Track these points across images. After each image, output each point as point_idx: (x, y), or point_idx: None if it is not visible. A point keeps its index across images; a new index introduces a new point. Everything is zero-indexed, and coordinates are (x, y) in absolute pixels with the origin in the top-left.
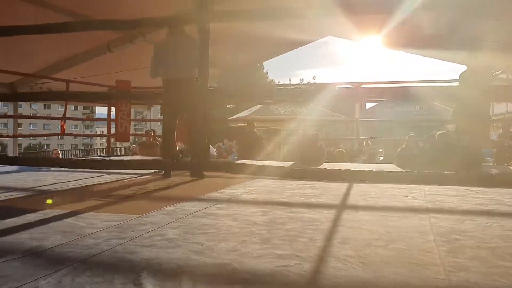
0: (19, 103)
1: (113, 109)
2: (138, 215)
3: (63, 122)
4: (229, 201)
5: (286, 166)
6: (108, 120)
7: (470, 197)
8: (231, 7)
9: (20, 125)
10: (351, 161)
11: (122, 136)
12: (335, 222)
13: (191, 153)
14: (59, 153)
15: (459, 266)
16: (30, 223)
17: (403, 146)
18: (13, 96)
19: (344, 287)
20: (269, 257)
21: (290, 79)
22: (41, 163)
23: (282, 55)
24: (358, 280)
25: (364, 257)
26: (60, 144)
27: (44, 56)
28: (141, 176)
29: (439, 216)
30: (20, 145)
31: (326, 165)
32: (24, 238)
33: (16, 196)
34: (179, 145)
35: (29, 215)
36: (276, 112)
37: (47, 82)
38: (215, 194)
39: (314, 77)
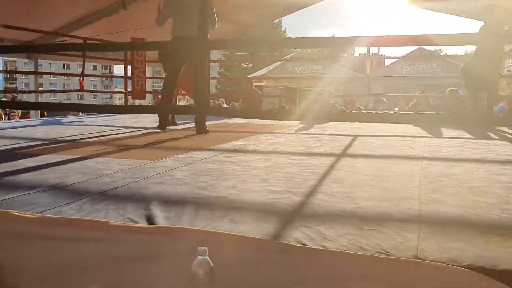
0: (39, 62)
1: (129, 67)
2: (152, 161)
3: (81, 78)
4: (236, 151)
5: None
6: (125, 77)
7: (468, 148)
8: None
9: (41, 85)
10: None
11: (138, 93)
12: (331, 167)
13: (194, 103)
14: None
15: (434, 200)
16: (53, 166)
17: (414, 103)
18: (33, 47)
19: (324, 214)
20: (264, 192)
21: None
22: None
23: (299, 11)
24: (339, 209)
25: (350, 193)
26: (80, 102)
27: (61, 15)
28: (153, 130)
29: (432, 163)
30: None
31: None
32: (49, 177)
33: (40, 145)
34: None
35: (52, 160)
36: (292, 70)
37: (65, 41)
38: (223, 145)
39: (334, 34)
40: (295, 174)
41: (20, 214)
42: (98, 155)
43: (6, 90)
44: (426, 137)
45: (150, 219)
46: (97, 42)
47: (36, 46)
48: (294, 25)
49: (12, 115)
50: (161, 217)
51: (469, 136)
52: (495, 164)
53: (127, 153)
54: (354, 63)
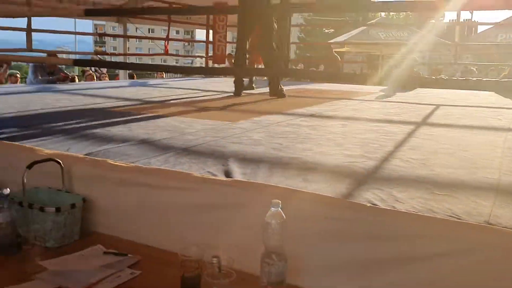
0: (127, 26)
1: (211, 32)
2: (230, 122)
3: (166, 42)
4: (313, 115)
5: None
6: (206, 42)
7: None
8: None
9: (128, 49)
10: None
11: (218, 58)
12: (409, 134)
13: (264, 65)
14: (163, 74)
15: None
16: (142, 123)
17: (506, 73)
18: (121, 11)
19: (397, 178)
20: (339, 155)
21: None
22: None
23: None
24: (414, 175)
25: (426, 160)
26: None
27: None
28: (231, 94)
29: None
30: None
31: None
32: (139, 133)
33: (129, 105)
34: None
35: (140, 118)
36: (376, 36)
37: (152, 5)
38: (300, 110)
39: None
40: (372, 140)
41: (116, 163)
42: (181, 115)
43: (96, 52)
44: None
45: (228, 174)
46: (181, 6)
47: (124, 10)
48: None
49: (102, 77)
50: (238, 172)
51: None
52: None
53: (207, 114)
54: (443, 30)
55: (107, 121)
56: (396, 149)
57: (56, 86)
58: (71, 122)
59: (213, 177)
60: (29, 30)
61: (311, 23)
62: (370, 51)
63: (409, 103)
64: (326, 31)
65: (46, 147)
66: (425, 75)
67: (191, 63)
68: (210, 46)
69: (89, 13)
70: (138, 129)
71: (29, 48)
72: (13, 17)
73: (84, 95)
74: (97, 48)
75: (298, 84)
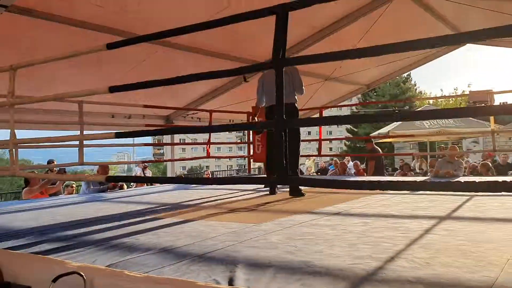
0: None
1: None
2: (254, 224)
3: (208, 146)
4: (338, 214)
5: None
6: (248, 143)
7: None
8: None
9: (184, 149)
10: (502, 174)
11: (258, 157)
12: (427, 231)
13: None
14: (209, 173)
15: None
16: (170, 229)
17: None
18: (168, 129)
19: (393, 280)
20: (347, 257)
21: (442, 90)
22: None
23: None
24: (411, 276)
25: (432, 259)
26: (217, 165)
27: (191, 92)
28: (261, 192)
29: None
30: (184, 167)
31: (462, 179)
32: (164, 240)
33: (165, 209)
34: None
35: (170, 223)
36: (420, 125)
37: (195, 113)
38: (328, 208)
39: (470, 84)
40: (386, 238)
41: (131, 274)
42: (210, 218)
43: (142, 161)
44: None
45: (231, 281)
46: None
47: (170, 129)
48: (423, 77)
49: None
50: (242, 279)
51: None
52: None
53: (234, 216)
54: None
55: (140, 228)
56: (407, 247)
57: (106, 194)
58: (105, 231)
59: (215, 285)
60: (81, 145)
61: (357, 114)
62: (418, 139)
63: (441, 194)
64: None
65: (75, 259)
66: (473, 163)
67: (244, 160)
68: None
69: (119, 135)
70: (165, 236)
71: (81, 162)
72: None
73: (128, 202)
74: (156, 151)
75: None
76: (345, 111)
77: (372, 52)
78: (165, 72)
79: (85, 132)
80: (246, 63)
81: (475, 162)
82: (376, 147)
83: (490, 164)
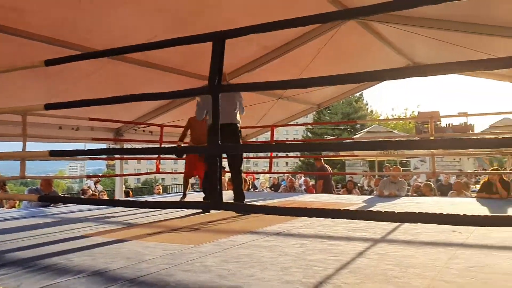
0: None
1: None
2: (193, 245)
3: (157, 162)
4: (279, 234)
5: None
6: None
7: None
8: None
9: (139, 162)
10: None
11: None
12: (360, 254)
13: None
14: (160, 189)
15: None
16: (107, 250)
17: (485, 180)
18: (113, 151)
19: None
20: (277, 282)
21: (393, 109)
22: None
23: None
24: None
25: (359, 284)
26: (174, 178)
27: (144, 104)
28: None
29: (467, 252)
30: (138, 179)
31: (404, 199)
32: (98, 262)
33: (108, 229)
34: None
35: (109, 244)
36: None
37: (146, 126)
38: (270, 228)
39: (419, 105)
40: (319, 262)
41: None
42: (149, 238)
43: (88, 176)
44: None
45: None
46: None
47: (115, 150)
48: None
49: (101, 195)
50: None
51: None
52: None
53: (175, 236)
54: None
55: (76, 247)
56: (337, 272)
57: (48, 210)
58: (38, 250)
59: None
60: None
61: (313, 133)
62: (366, 158)
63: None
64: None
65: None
66: (417, 183)
67: None
68: None
69: (54, 154)
70: (100, 258)
71: (22, 176)
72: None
73: (69, 219)
74: (110, 162)
75: (287, 196)
76: (301, 128)
77: (308, 83)
78: (115, 86)
79: (30, 143)
80: (199, 79)
81: (421, 182)
82: (326, 165)
83: (433, 185)
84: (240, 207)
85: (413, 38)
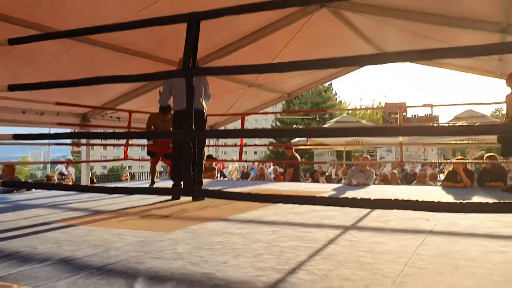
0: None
1: None
2: (164, 232)
3: (125, 148)
4: (251, 221)
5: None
6: None
7: (487, 221)
8: None
9: (106, 148)
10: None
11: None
12: (332, 241)
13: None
14: (128, 176)
15: (409, 282)
16: (74, 238)
17: (450, 170)
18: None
19: None
20: (251, 268)
21: (361, 99)
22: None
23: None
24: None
25: (332, 271)
26: (141, 166)
27: (112, 89)
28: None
29: (436, 239)
30: (105, 167)
31: (374, 187)
32: (64, 250)
33: (75, 216)
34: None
35: (75, 231)
36: None
37: (114, 112)
38: (243, 215)
39: (386, 96)
40: (291, 248)
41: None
42: (119, 225)
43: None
44: None
45: None
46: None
47: (79, 134)
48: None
49: (66, 181)
50: None
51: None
52: (499, 240)
53: (147, 223)
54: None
55: (41, 235)
56: (309, 259)
57: (11, 196)
58: (0, 239)
59: None
60: None
61: (282, 122)
62: (335, 148)
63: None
64: (295, 127)
65: None
66: (384, 171)
67: None
68: None
69: (18, 137)
70: (67, 245)
71: None
72: None
73: (34, 205)
74: (75, 148)
75: (259, 184)
76: (270, 118)
77: (282, 68)
78: (83, 69)
79: None
80: (170, 64)
81: (388, 171)
82: (296, 154)
83: (397, 174)
84: (216, 193)
85: (384, 28)
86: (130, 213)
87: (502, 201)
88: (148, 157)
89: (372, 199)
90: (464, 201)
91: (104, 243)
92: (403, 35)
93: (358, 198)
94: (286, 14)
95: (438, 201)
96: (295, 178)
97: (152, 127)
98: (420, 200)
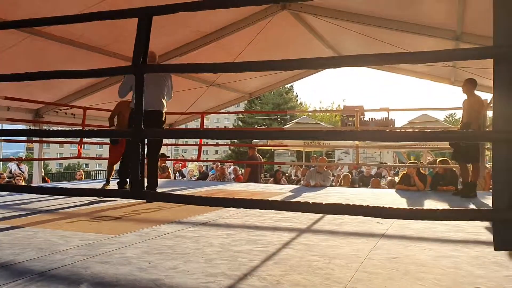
0: (46, 126)
1: None
2: (113, 235)
3: (79, 146)
4: (206, 224)
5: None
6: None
7: (438, 225)
8: None
9: (62, 146)
10: (365, 184)
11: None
12: (286, 245)
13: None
14: (82, 175)
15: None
16: (17, 240)
17: (405, 173)
18: (31, 132)
19: None
20: (201, 274)
21: (321, 101)
22: None
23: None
24: None
25: (284, 276)
26: (99, 164)
27: (66, 85)
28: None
29: (389, 242)
30: (61, 164)
31: (329, 189)
32: (5, 253)
33: (19, 216)
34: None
35: (19, 233)
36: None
37: (68, 108)
38: (197, 217)
39: (344, 99)
40: (244, 253)
41: None
42: (66, 227)
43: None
44: None
45: None
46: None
47: (34, 132)
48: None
49: (17, 180)
50: None
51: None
52: (448, 244)
53: (96, 225)
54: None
55: None
56: (262, 263)
57: None
58: None
59: None
60: None
61: (244, 122)
62: (295, 148)
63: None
64: (257, 127)
65: None
66: (339, 173)
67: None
68: None
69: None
70: (8, 248)
71: None
72: None
73: None
74: (29, 145)
75: (212, 185)
76: (232, 117)
77: (237, 68)
78: (35, 62)
79: None
80: (126, 60)
81: (347, 173)
82: (257, 154)
83: (351, 176)
84: (165, 196)
85: (343, 32)
86: (81, 213)
87: (451, 208)
88: (105, 156)
89: (323, 203)
90: (414, 208)
91: (49, 246)
92: (362, 39)
93: (311, 202)
94: (247, 15)
95: (389, 207)
96: (253, 178)
97: (116, 119)
98: (371, 206)
